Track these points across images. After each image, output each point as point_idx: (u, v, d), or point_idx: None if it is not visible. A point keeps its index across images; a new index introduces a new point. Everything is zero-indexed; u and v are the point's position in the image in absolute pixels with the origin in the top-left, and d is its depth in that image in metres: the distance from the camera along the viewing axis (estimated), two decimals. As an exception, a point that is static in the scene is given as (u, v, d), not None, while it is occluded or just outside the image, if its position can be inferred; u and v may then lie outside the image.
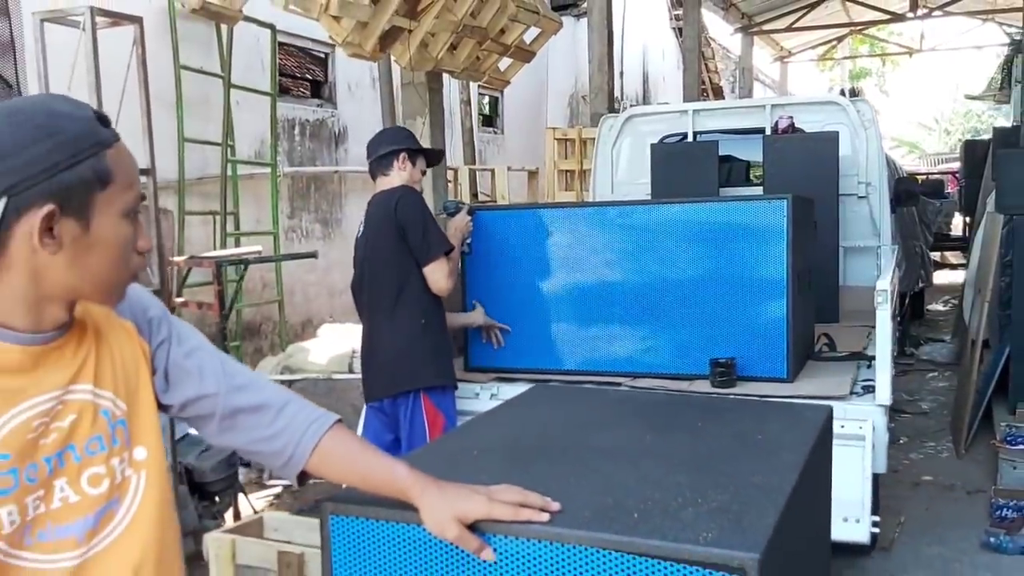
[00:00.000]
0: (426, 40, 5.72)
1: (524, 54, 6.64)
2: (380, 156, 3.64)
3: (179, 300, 4.73)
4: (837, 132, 5.48)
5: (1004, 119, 31.74)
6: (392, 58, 5.73)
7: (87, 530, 1.29)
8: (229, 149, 6.26)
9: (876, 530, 3.31)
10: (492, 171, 7.88)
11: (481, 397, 3.82)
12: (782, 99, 7.26)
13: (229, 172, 6.24)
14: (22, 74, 3.42)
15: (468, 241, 3.94)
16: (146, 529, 1.35)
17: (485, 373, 4.02)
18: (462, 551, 1.43)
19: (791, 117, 5.70)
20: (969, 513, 4.76)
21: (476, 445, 1.86)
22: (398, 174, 3.61)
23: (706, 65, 16.10)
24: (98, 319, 1.34)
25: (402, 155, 3.61)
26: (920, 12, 15.48)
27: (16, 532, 1.22)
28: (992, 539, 4.33)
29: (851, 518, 3.19)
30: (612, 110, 9.50)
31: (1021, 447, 5.01)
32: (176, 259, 4.64)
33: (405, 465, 1.48)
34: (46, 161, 1.15)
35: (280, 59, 7.45)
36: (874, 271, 5.95)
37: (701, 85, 15.09)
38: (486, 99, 11.72)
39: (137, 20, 3.77)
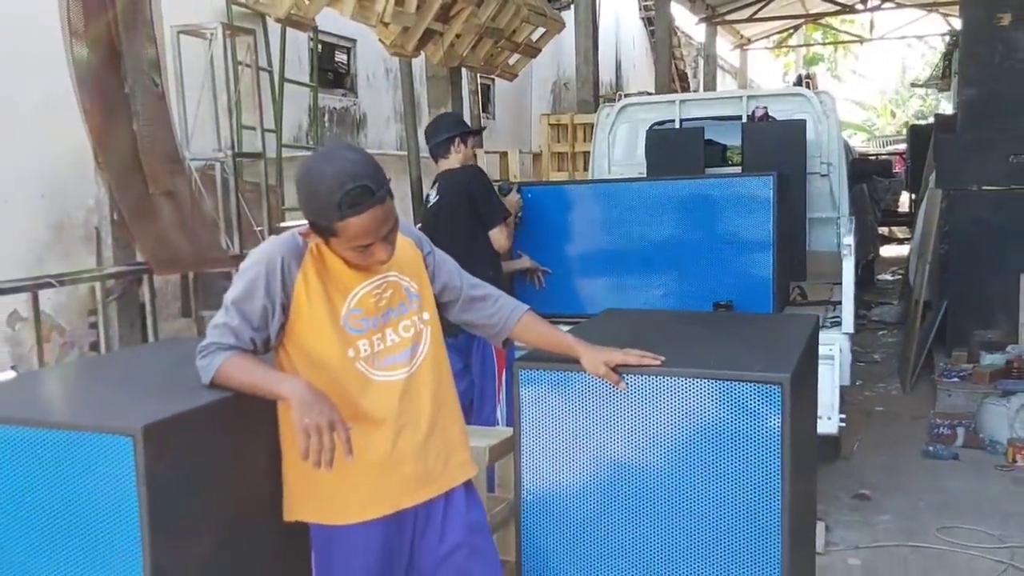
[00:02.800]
0: (452, 41, 6.61)
1: (531, 50, 7.56)
2: (439, 142, 4.46)
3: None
4: (805, 120, 6.46)
5: (947, 103, 33.10)
6: (423, 55, 6.58)
7: (407, 358, 2.21)
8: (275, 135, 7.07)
9: (843, 424, 4.32)
10: (504, 153, 8.79)
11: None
12: (756, 92, 8.26)
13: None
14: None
15: (519, 215, 4.85)
16: (434, 361, 2.27)
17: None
18: (606, 385, 2.37)
19: (766, 107, 6.69)
20: (912, 433, 5.83)
21: (592, 337, 2.79)
22: (455, 156, 4.47)
23: (672, 53, 17.08)
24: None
25: (456, 140, 4.43)
26: (871, 3, 16.61)
27: (370, 358, 2.15)
28: (931, 448, 5.42)
29: (824, 416, 4.19)
30: (597, 97, 10.45)
31: (954, 380, 6.09)
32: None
33: (571, 335, 2.43)
34: (307, 209, 2.03)
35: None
36: (834, 239, 6.99)
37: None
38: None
39: (251, 32, 4.64)
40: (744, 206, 4.54)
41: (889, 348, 8.71)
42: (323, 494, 2.15)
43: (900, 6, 16.79)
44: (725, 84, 21.35)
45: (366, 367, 2.14)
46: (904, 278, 10.54)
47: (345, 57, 9.28)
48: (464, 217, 4.32)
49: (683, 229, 4.67)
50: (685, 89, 17.39)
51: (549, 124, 9.31)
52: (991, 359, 6.17)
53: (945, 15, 19.10)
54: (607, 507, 2.44)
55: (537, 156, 9.34)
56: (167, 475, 1.94)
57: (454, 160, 4.47)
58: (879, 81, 38.87)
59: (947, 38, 15.34)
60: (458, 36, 6.61)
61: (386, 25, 5.85)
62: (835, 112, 6.93)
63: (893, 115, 40.15)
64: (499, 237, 4.34)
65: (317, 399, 1.97)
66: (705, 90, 17.38)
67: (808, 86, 17.86)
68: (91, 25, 3.94)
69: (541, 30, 7.54)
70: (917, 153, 11.42)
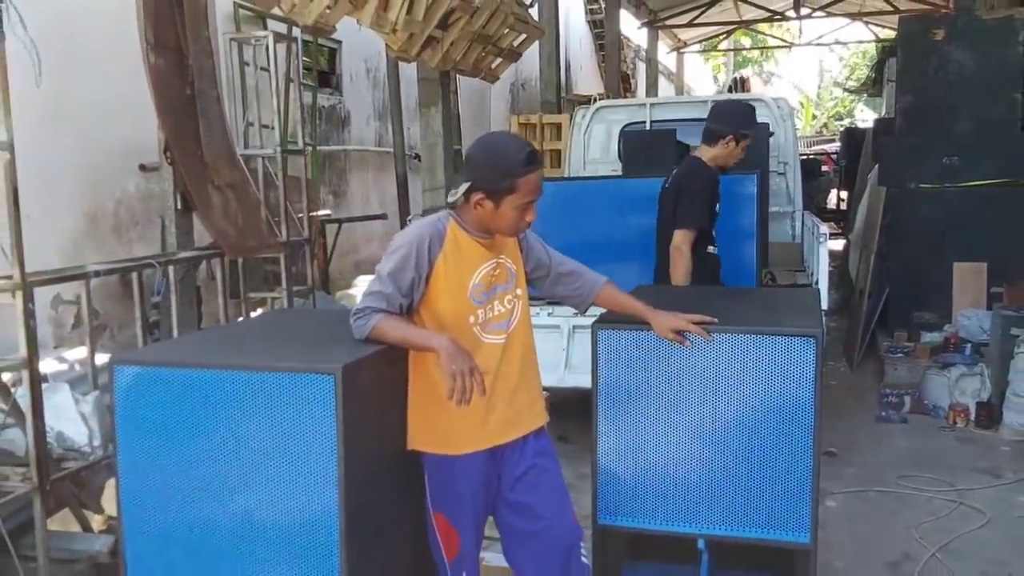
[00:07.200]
0: (447, 47, 7.13)
1: (513, 55, 8.13)
2: (715, 129, 4.27)
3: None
4: (768, 123, 7.17)
5: (863, 106, 34.41)
6: (418, 59, 7.07)
7: (505, 326, 2.75)
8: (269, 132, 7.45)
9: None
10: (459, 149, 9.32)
11: (540, 315, 5.32)
12: (722, 97, 8.96)
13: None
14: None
15: None
16: (524, 327, 2.82)
17: (540, 301, 5.51)
18: (671, 345, 2.95)
19: (731, 111, 7.37)
20: (863, 402, 6.59)
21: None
22: (714, 150, 4.29)
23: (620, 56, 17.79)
24: None
25: (729, 136, 4.24)
26: (803, 12, 17.60)
27: (483, 323, 2.69)
28: (883, 414, 6.18)
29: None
30: (559, 99, 11.07)
31: (899, 356, 6.87)
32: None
33: (643, 302, 3.00)
34: (489, 175, 2.57)
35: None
36: (789, 231, 7.75)
37: (613, 73, 16.73)
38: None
39: (294, 39, 5.11)
40: (732, 200, 5.17)
41: (830, 332, 9.49)
42: (438, 430, 2.70)
43: (830, 15, 17.84)
44: (661, 86, 22.18)
45: (479, 331, 2.68)
46: (840, 270, 11.39)
47: (331, 57, 9.74)
48: (672, 209, 4.30)
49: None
50: (628, 90, 18.15)
51: (519, 123, 9.89)
52: (930, 337, 6.98)
53: (867, 23, 20.28)
54: (672, 438, 3.02)
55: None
56: (355, 407, 2.45)
57: (707, 153, 4.32)
58: (800, 84, 40.34)
59: (876, 47, 16.35)
60: (452, 43, 7.14)
61: (395, 32, 6.36)
62: (791, 116, 7.68)
63: (814, 116, 41.77)
64: (677, 239, 4.21)
65: (460, 351, 2.51)
66: (647, 92, 18.16)
67: (743, 87, 18.93)
68: (162, 36, 4.38)
69: (523, 36, 8.11)
70: (851, 154, 12.33)
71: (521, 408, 2.78)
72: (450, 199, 2.69)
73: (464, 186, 2.61)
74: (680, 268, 4.21)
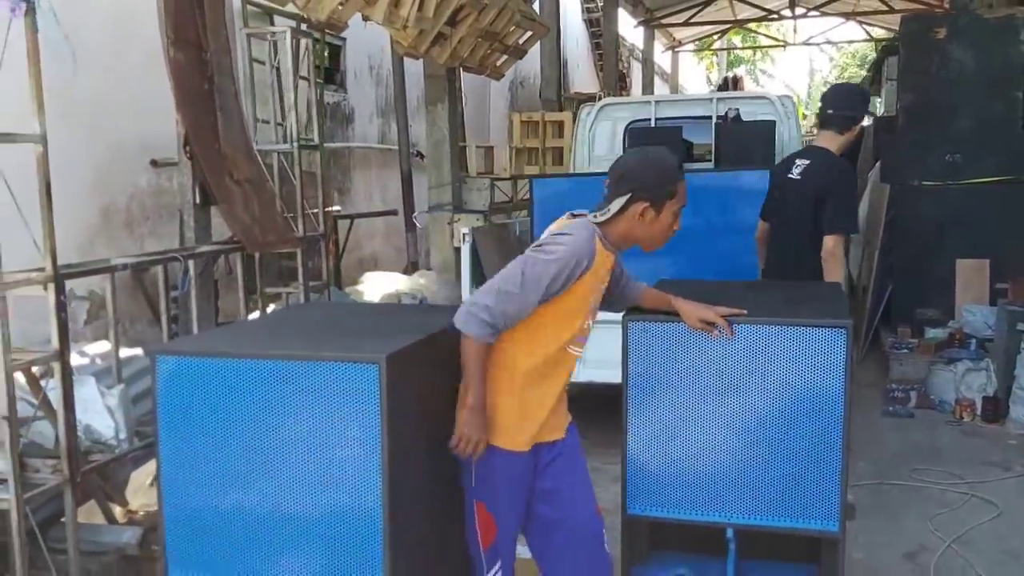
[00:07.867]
0: (455, 43, 7.16)
1: (518, 52, 8.16)
2: (844, 115, 4.15)
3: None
4: (775, 121, 7.22)
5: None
6: (427, 56, 7.11)
7: (584, 340, 2.81)
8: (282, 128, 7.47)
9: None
10: (491, 148, 9.32)
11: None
12: (726, 95, 9.01)
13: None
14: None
15: None
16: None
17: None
18: (701, 336, 2.99)
19: (737, 109, 7.43)
20: (870, 397, 6.65)
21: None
22: (843, 137, 4.19)
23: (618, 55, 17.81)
24: None
25: (859, 124, 4.19)
26: (798, 11, 17.69)
27: (576, 336, 2.74)
28: (891, 408, 6.24)
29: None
30: (560, 97, 11.10)
31: (904, 351, 6.93)
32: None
33: (673, 294, 3.04)
34: (653, 183, 2.65)
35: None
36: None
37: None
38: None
39: (309, 35, 5.12)
40: (749, 195, 5.23)
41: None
42: (492, 421, 2.70)
43: (825, 15, 17.92)
44: (656, 85, 22.23)
45: (570, 343, 2.76)
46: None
47: (336, 54, 9.76)
48: (811, 206, 4.17)
49: (690, 216, 5.32)
50: (623, 89, 18.19)
51: (521, 121, 9.92)
52: (934, 333, 7.04)
53: (861, 23, 20.39)
54: (702, 429, 3.05)
55: (489, 150, 10.00)
56: (398, 396, 2.48)
57: (837, 141, 4.24)
58: (785, 81, 40.56)
59: (875, 46, 16.42)
60: (460, 39, 7.16)
61: (405, 28, 6.38)
62: (795, 114, 7.73)
63: (804, 116, 41.96)
64: (829, 244, 4.09)
65: (479, 421, 2.61)
66: (643, 91, 18.22)
67: (735, 85, 18.96)
68: (182, 31, 4.39)
69: (528, 33, 8.15)
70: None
71: (562, 413, 2.88)
72: (599, 218, 2.72)
73: (620, 201, 2.68)
74: (838, 275, 4.07)
